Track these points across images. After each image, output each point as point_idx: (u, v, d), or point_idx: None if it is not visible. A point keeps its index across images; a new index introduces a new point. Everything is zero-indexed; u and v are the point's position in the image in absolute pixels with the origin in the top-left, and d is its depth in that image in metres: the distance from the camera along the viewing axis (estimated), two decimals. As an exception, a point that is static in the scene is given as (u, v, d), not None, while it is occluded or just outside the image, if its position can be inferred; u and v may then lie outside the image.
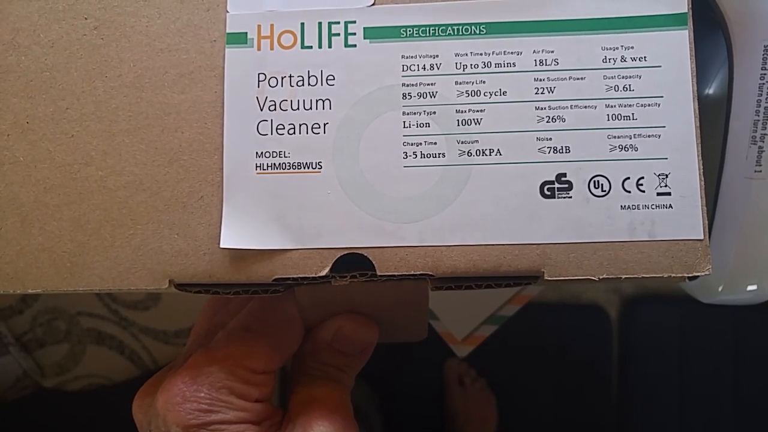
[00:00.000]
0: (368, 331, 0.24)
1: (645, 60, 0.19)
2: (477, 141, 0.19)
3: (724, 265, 0.25)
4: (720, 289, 0.26)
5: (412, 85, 0.20)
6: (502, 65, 0.20)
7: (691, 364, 0.76)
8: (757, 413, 0.75)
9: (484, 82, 0.20)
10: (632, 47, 0.19)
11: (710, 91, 0.29)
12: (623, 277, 0.19)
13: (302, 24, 0.20)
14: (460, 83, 0.20)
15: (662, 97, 0.19)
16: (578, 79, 0.19)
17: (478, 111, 0.19)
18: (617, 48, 0.19)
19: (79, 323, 0.61)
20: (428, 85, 0.20)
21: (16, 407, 0.62)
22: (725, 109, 0.27)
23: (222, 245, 0.19)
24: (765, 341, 0.75)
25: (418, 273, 0.19)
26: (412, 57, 0.20)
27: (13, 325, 0.59)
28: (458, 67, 0.20)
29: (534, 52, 0.20)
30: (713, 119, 0.27)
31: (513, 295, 0.44)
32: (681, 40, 0.19)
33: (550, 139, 0.19)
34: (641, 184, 0.19)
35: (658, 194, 0.19)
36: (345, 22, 0.20)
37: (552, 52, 0.20)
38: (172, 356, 0.63)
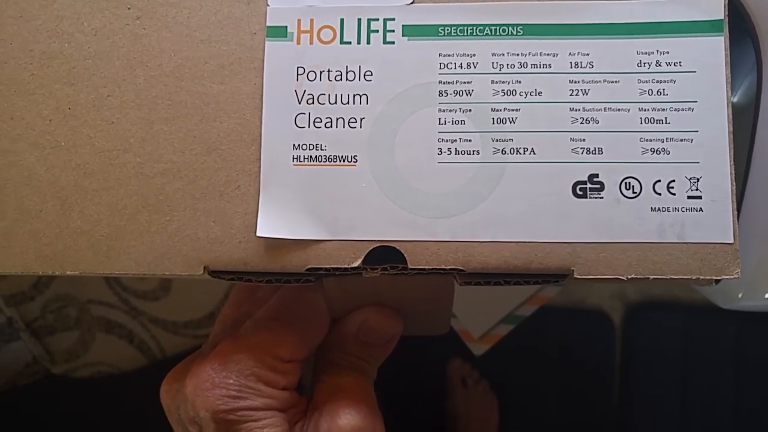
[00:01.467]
0: (394, 324, 0.24)
1: (680, 65, 0.20)
2: (511, 140, 0.20)
3: (746, 271, 0.25)
4: (740, 295, 0.26)
5: (449, 82, 0.20)
6: (538, 66, 0.20)
7: (693, 372, 0.77)
8: (757, 422, 0.76)
9: (519, 82, 0.20)
10: (667, 52, 0.20)
11: (734, 99, 0.29)
12: (651, 277, 0.19)
13: (342, 20, 0.20)
14: (496, 82, 0.20)
15: (696, 102, 0.19)
16: (613, 82, 0.20)
17: (513, 110, 0.20)
18: (652, 53, 0.20)
19: (89, 311, 0.62)
20: (465, 83, 0.20)
21: (25, 392, 0.62)
22: (751, 117, 0.27)
23: (258, 234, 0.20)
24: (766, 350, 0.76)
25: (449, 267, 0.20)
26: (449, 55, 0.20)
27: (25, 312, 0.60)
28: (495, 66, 0.20)
29: (570, 54, 0.20)
30: (738, 127, 0.28)
31: (531, 295, 0.44)
32: (716, 46, 0.20)
33: (584, 140, 0.20)
34: (672, 187, 0.19)
35: (689, 197, 0.19)
36: (384, 20, 0.20)
37: (587, 54, 0.20)
38: (181, 347, 0.64)
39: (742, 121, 0.28)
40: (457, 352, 0.77)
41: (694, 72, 0.20)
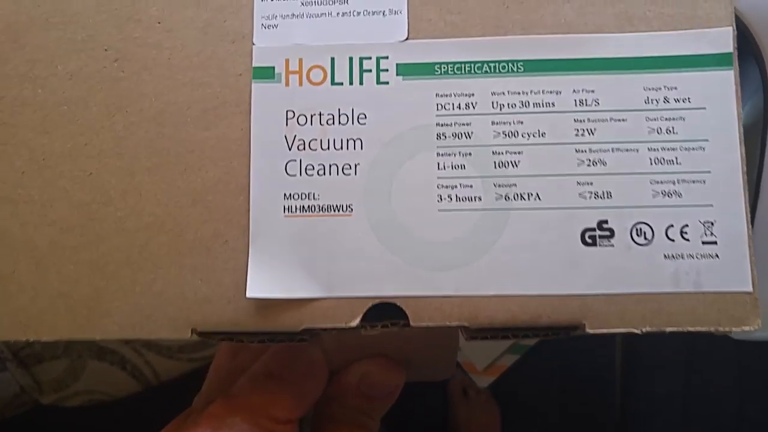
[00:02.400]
0: (396, 376, 0.23)
1: (689, 101, 0.19)
2: (515, 184, 0.19)
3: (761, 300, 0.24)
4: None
5: (447, 124, 0.19)
6: (541, 105, 0.19)
7: (695, 382, 0.76)
8: (760, 427, 0.75)
9: (521, 122, 0.19)
10: (675, 88, 0.19)
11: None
12: (667, 329, 0.18)
13: (332, 59, 0.19)
14: (497, 123, 0.19)
15: (707, 140, 0.18)
16: (620, 120, 0.19)
17: (515, 153, 0.19)
18: (660, 88, 0.19)
19: (78, 338, 0.60)
20: (464, 125, 0.19)
21: (13, 423, 0.61)
22: (757, 140, 0.26)
23: (248, 295, 0.18)
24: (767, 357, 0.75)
25: (454, 324, 0.18)
26: (446, 95, 0.19)
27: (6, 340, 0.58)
28: (495, 106, 0.19)
29: (574, 91, 0.19)
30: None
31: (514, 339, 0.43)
32: (726, 80, 0.19)
33: (591, 183, 0.18)
34: (685, 233, 0.18)
35: (704, 243, 0.18)
36: (377, 58, 0.19)
37: (592, 91, 0.19)
38: (176, 372, 0.62)
39: (748, 144, 0.27)
40: (457, 363, 0.76)
41: (704, 108, 0.19)
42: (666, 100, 0.19)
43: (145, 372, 0.62)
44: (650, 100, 0.19)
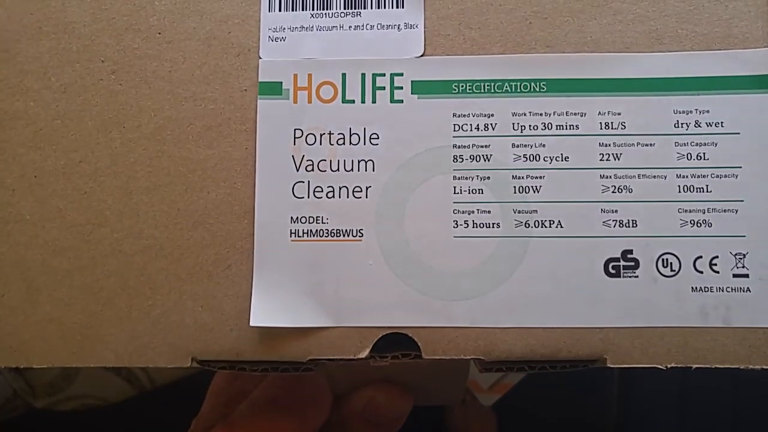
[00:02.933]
0: (402, 402, 0.22)
1: (722, 126, 0.18)
2: (535, 211, 0.18)
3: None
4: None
5: (464, 146, 0.18)
6: (564, 127, 0.18)
7: (691, 383, 0.76)
8: (755, 426, 0.75)
9: (543, 145, 0.18)
10: (707, 111, 0.18)
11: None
12: (693, 366, 0.17)
13: (344, 75, 0.18)
14: (518, 146, 0.18)
15: (740, 167, 0.17)
16: (647, 145, 0.18)
17: (536, 177, 0.18)
18: (691, 111, 0.18)
19: (72, 341, 0.59)
20: (482, 147, 0.18)
21: (6, 428, 0.60)
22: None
23: (252, 323, 0.17)
24: None
25: (469, 357, 0.17)
26: (464, 115, 0.18)
27: None
28: (515, 128, 0.18)
29: (599, 113, 0.18)
30: None
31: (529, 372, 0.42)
32: (762, 104, 0.17)
33: (616, 211, 0.17)
34: (715, 264, 0.17)
35: (735, 276, 0.17)
36: (391, 75, 0.18)
37: (619, 114, 0.18)
38: (171, 377, 0.61)
39: None
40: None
41: (738, 134, 0.18)
42: (697, 124, 0.18)
43: (140, 377, 0.61)
44: (680, 124, 0.18)
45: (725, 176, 0.17)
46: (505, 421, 0.76)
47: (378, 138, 0.18)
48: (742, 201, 0.17)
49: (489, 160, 0.18)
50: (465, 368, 0.22)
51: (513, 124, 0.18)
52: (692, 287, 0.17)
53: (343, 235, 0.18)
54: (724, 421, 0.73)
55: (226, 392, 0.22)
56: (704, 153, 0.18)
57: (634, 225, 0.17)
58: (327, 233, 0.18)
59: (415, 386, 0.23)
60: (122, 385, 0.60)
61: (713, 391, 0.74)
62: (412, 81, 0.18)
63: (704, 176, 0.17)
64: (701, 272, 0.17)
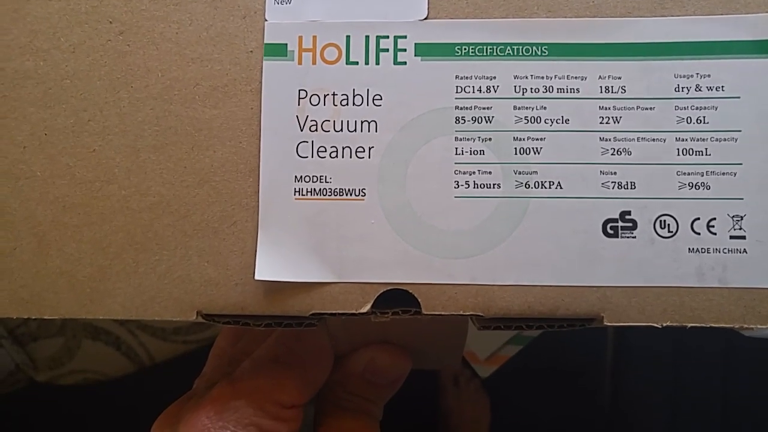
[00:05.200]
0: (401, 363, 0.23)
1: (722, 90, 0.18)
2: (536, 172, 0.18)
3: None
4: None
5: (467, 108, 0.19)
6: (565, 90, 0.19)
7: (684, 374, 0.77)
8: (745, 419, 0.76)
9: (544, 108, 0.18)
10: (708, 75, 0.18)
11: None
12: (689, 325, 0.18)
13: (348, 37, 0.19)
14: (519, 108, 0.19)
15: (740, 131, 0.18)
16: (647, 108, 0.18)
17: (537, 139, 0.18)
18: (692, 76, 0.18)
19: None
20: (484, 109, 0.19)
21: (7, 400, 0.61)
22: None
23: (257, 277, 0.18)
24: (754, 361, 0.77)
25: (468, 313, 0.18)
26: (467, 78, 0.19)
27: (6, 318, 0.58)
28: (517, 90, 0.19)
29: (600, 77, 0.18)
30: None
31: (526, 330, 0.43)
32: (763, 69, 0.18)
33: (615, 173, 0.18)
34: (712, 226, 0.18)
35: (731, 237, 0.18)
36: (395, 37, 0.19)
37: (619, 78, 0.18)
38: (170, 353, 0.62)
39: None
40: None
41: (738, 98, 0.18)
42: (698, 88, 0.18)
43: (140, 353, 0.62)
44: (681, 88, 0.18)
45: (725, 140, 0.18)
46: (498, 403, 0.78)
47: (381, 99, 0.19)
48: (740, 164, 0.18)
49: (491, 122, 0.18)
50: (463, 332, 0.23)
51: (515, 86, 0.19)
52: (689, 248, 0.18)
53: (346, 195, 0.19)
54: (715, 402, 0.74)
55: (229, 353, 0.23)
56: (704, 117, 0.18)
57: (633, 187, 0.18)
58: (330, 192, 0.19)
59: (414, 350, 0.23)
60: (122, 360, 0.61)
61: (704, 382, 0.75)
62: (415, 44, 0.19)
63: (704, 140, 0.18)
64: (699, 234, 0.18)
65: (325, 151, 0.19)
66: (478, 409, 0.78)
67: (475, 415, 0.78)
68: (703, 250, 0.18)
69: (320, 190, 0.19)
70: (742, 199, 0.18)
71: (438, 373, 0.79)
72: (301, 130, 0.19)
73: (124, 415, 0.65)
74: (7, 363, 0.59)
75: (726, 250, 0.18)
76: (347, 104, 0.19)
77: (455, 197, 0.18)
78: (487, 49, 0.19)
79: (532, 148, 0.18)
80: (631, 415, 0.77)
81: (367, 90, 0.19)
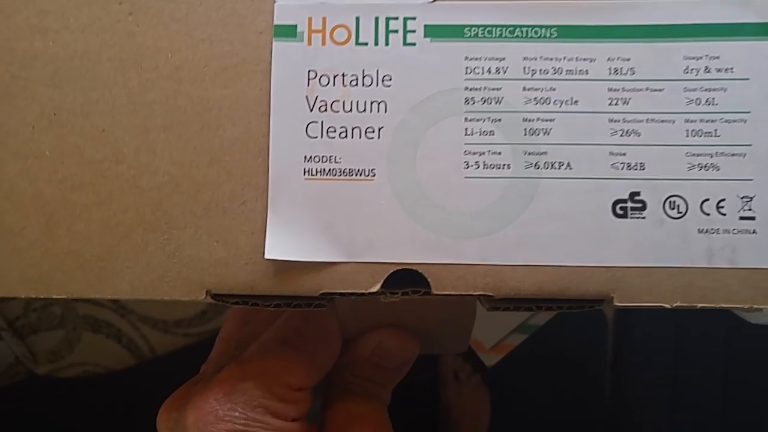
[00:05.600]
0: (410, 347, 0.23)
1: (731, 71, 0.18)
2: (545, 153, 0.18)
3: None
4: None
5: (476, 89, 0.19)
6: (574, 72, 0.19)
7: (684, 366, 0.78)
8: (745, 416, 0.77)
9: (554, 89, 0.19)
10: (717, 57, 0.18)
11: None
12: (699, 305, 0.18)
13: (357, 18, 0.19)
14: (528, 89, 0.19)
15: (749, 112, 0.18)
16: (656, 90, 0.18)
17: (547, 120, 0.18)
18: (701, 57, 0.18)
19: (74, 309, 0.60)
20: (493, 90, 0.19)
21: (7, 393, 0.61)
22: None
23: (266, 256, 0.18)
24: (755, 350, 0.77)
25: (478, 293, 0.18)
26: (476, 59, 0.19)
27: (6, 310, 0.58)
28: (526, 71, 0.19)
29: (609, 59, 0.19)
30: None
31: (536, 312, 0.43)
32: (771, 51, 0.18)
33: (624, 154, 0.18)
34: (722, 207, 0.18)
35: (741, 218, 0.18)
36: (404, 18, 0.19)
37: (628, 60, 0.19)
38: (172, 346, 0.62)
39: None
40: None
41: (747, 79, 0.18)
42: (707, 69, 0.18)
43: (141, 345, 0.62)
44: (690, 70, 0.18)
45: (734, 121, 0.18)
46: (498, 398, 0.78)
47: (391, 80, 0.19)
48: (750, 145, 0.18)
49: (500, 103, 0.19)
50: (471, 316, 0.23)
51: (524, 68, 0.19)
52: (699, 229, 0.18)
53: (356, 175, 0.19)
54: (716, 396, 0.75)
55: (236, 337, 0.23)
56: (713, 98, 0.18)
57: (642, 168, 0.18)
58: (340, 172, 0.19)
59: (422, 334, 0.24)
60: (123, 353, 0.61)
61: (704, 379, 0.76)
62: (425, 25, 0.19)
63: (713, 121, 0.18)
64: (708, 214, 0.18)
65: (335, 131, 0.19)
66: (478, 404, 0.79)
67: (476, 410, 0.78)
68: (713, 231, 0.18)
69: (330, 170, 0.19)
70: (751, 180, 0.18)
71: (438, 368, 0.79)
72: (311, 111, 0.19)
73: (124, 408, 0.65)
74: (6, 355, 0.59)
75: (735, 231, 0.18)
76: (357, 85, 0.19)
77: (465, 177, 0.18)
78: (496, 30, 0.19)
79: (542, 129, 0.18)
80: (633, 402, 0.77)
81: (377, 71, 0.19)
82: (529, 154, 0.18)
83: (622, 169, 0.18)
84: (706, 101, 0.18)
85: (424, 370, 0.78)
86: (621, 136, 0.18)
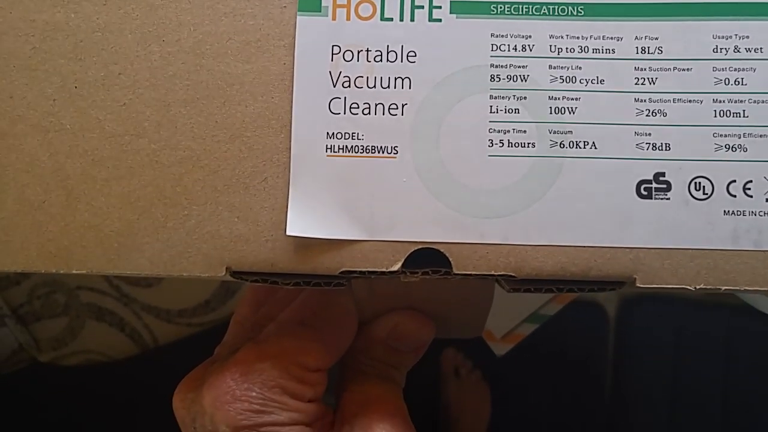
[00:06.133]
0: (425, 330, 0.23)
1: (761, 51, 0.18)
2: (570, 132, 0.18)
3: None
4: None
5: (502, 66, 0.19)
6: (601, 51, 0.19)
7: (684, 362, 0.78)
8: (745, 413, 0.77)
9: (580, 68, 0.19)
10: (747, 36, 0.18)
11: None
12: (723, 288, 0.18)
13: (382, -7, 0.19)
14: (554, 68, 0.19)
15: (778, 93, 0.18)
16: (684, 70, 0.19)
17: (572, 99, 0.19)
18: (730, 37, 0.18)
19: (78, 297, 0.60)
20: (519, 67, 0.19)
21: (10, 380, 0.61)
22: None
23: (288, 233, 0.18)
24: (756, 346, 0.78)
25: (499, 273, 0.18)
26: (502, 36, 0.19)
27: (10, 297, 0.59)
28: (552, 50, 0.19)
29: (636, 38, 0.19)
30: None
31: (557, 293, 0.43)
32: (801, 32, 0.18)
33: (650, 134, 0.18)
34: (748, 189, 0.18)
35: None
36: (430, -6, 0.19)
37: (656, 39, 0.19)
38: (175, 336, 0.63)
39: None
40: (451, 342, 0.78)
41: (777, 60, 0.18)
42: (736, 49, 0.18)
43: (144, 335, 0.62)
44: (719, 49, 0.18)
45: (762, 102, 0.18)
46: (499, 395, 0.78)
47: (415, 56, 0.19)
48: (778, 127, 0.18)
49: (526, 81, 0.19)
50: (488, 299, 0.23)
51: (550, 46, 0.19)
52: (724, 210, 0.18)
53: (378, 152, 0.19)
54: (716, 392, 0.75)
55: (251, 319, 0.23)
56: (742, 78, 0.18)
57: (668, 148, 0.18)
58: (362, 149, 0.19)
59: (438, 317, 0.24)
60: (125, 342, 0.62)
61: (705, 376, 0.76)
62: (451, 1, 0.19)
63: (741, 101, 0.18)
64: (734, 196, 0.18)
65: (358, 107, 0.19)
66: (478, 401, 0.79)
67: (476, 407, 0.79)
68: (739, 213, 0.18)
69: (352, 147, 0.19)
70: (779, 161, 0.18)
71: (439, 364, 0.80)
72: (334, 86, 0.19)
73: (126, 397, 0.65)
74: (10, 342, 0.59)
75: (762, 213, 0.18)
76: (381, 60, 0.19)
77: (489, 156, 0.19)
78: (522, 7, 0.19)
79: (567, 108, 0.19)
80: (633, 401, 0.77)
81: (402, 46, 0.19)
82: (554, 132, 0.19)
83: (648, 149, 0.18)
84: (735, 81, 0.18)
85: (424, 366, 0.79)
86: (647, 116, 0.18)
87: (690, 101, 0.18)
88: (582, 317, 0.81)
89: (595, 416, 0.79)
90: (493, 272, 0.18)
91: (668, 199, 0.18)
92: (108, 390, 0.65)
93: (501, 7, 0.19)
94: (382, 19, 0.19)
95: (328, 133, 0.19)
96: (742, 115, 0.18)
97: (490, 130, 0.19)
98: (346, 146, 0.19)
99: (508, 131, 0.19)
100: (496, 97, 0.19)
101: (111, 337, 0.62)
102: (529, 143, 0.19)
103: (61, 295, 0.60)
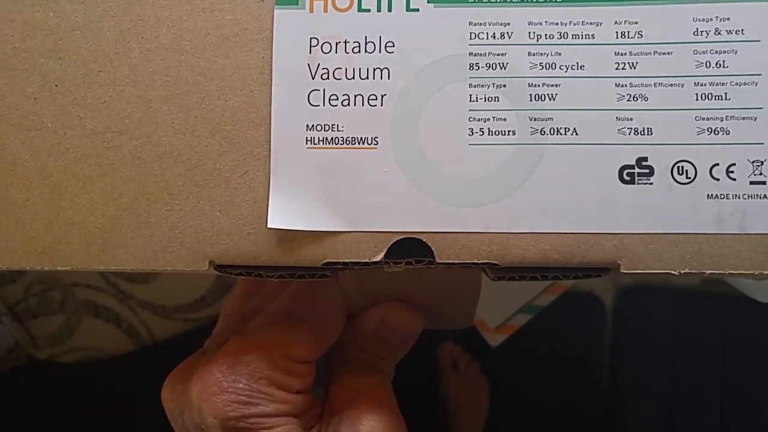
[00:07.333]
0: (414, 321, 0.24)
1: (742, 33, 0.19)
2: (551, 118, 0.19)
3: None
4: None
5: (481, 54, 0.19)
6: (580, 36, 0.19)
7: (682, 354, 0.79)
8: (743, 404, 0.78)
9: (559, 54, 0.19)
10: (728, 18, 0.19)
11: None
12: (707, 272, 0.19)
13: (359, -17, 0.20)
14: (534, 54, 0.19)
15: (760, 75, 0.19)
16: (664, 53, 0.19)
17: (552, 86, 0.19)
18: (711, 19, 0.19)
19: (74, 294, 0.62)
20: (498, 55, 0.19)
21: (7, 377, 0.63)
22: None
23: (269, 225, 0.19)
24: (753, 334, 0.79)
25: (482, 262, 0.19)
26: (480, 24, 0.19)
27: (6, 294, 0.60)
28: (531, 36, 0.19)
29: (615, 23, 0.19)
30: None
31: (550, 284, 0.44)
32: (782, 12, 0.19)
33: (631, 119, 0.19)
34: (732, 172, 0.19)
35: (752, 183, 0.19)
36: (407, -17, 0.20)
37: (636, 23, 0.19)
38: (171, 331, 0.64)
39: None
40: (449, 335, 0.79)
41: (758, 41, 0.19)
42: (717, 31, 0.19)
43: (140, 330, 0.64)
44: (699, 32, 0.19)
45: (744, 84, 0.19)
46: (497, 387, 0.79)
47: (394, 46, 0.19)
48: (761, 108, 0.19)
49: (505, 68, 0.19)
50: (476, 288, 0.24)
51: (529, 33, 0.19)
52: (708, 194, 0.19)
53: (359, 143, 0.19)
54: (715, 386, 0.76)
55: (240, 312, 0.24)
56: (724, 61, 0.19)
57: (650, 133, 0.19)
58: (342, 141, 0.19)
59: (427, 308, 0.24)
60: (122, 338, 0.63)
61: (702, 367, 0.77)
62: (428, -11, 0.20)
63: (723, 84, 0.19)
64: (717, 179, 0.19)
65: (337, 99, 0.19)
66: (477, 393, 0.80)
67: (474, 399, 0.80)
68: (723, 196, 0.19)
69: (332, 138, 0.19)
70: (762, 143, 0.19)
71: (437, 357, 0.81)
72: (313, 79, 0.20)
73: (124, 393, 0.67)
74: (6, 340, 0.60)
75: (746, 196, 0.19)
76: (359, 51, 0.20)
77: (469, 144, 0.19)
78: (501, -6, 0.19)
79: (547, 95, 0.19)
80: (630, 392, 0.78)
81: (380, 37, 0.20)
82: (535, 119, 0.19)
83: (629, 134, 0.19)
84: (716, 64, 0.19)
85: (422, 360, 0.80)
86: (628, 100, 0.19)
87: (671, 85, 0.19)
88: (579, 309, 0.82)
89: (592, 407, 0.81)
90: (475, 261, 0.19)
91: (651, 183, 0.19)
92: (105, 386, 0.66)
93: (479, -5, 0.19)
94: (360, 10, 0.20)
95: (307, 125, 0.20)
96: (724, 97, 0.19)
97: (470, 119, 0.19)
98: (326, 138, 0.19)
99: (488, 119, 0.19)
100: (475, 86, 0.19)
101: (108, 333, 0.63)
102: (509, 131, 0.19)
103: (58, 292, 0.61)
